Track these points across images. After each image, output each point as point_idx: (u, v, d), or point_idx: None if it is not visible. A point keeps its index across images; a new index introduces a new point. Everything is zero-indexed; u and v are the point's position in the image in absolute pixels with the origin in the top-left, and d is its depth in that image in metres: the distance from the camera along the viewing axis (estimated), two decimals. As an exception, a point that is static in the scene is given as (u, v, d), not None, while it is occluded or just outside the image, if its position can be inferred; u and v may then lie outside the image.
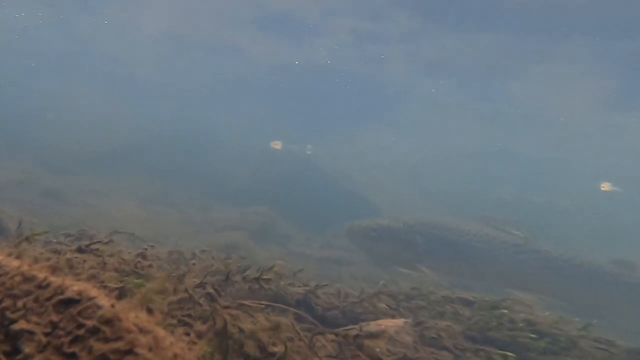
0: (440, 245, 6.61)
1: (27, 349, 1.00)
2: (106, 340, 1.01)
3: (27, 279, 1.14)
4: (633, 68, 13.71)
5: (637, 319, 5.94)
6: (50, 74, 28.70)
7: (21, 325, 1.04)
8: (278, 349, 1.56)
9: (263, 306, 1.99)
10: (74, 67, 27.67)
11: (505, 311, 2.91)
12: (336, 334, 1.96)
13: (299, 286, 2.77)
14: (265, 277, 2.33)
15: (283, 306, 2.11)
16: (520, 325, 2.78)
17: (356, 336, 2.00)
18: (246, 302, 1.87)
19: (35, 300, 1.09)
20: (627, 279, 6.35)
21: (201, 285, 2.10)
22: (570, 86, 16.25)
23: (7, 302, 1.08)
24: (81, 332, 1.03)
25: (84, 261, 2.15)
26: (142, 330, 1.06)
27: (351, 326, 2.05)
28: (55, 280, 1.15)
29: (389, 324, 2.23)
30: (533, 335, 2.67)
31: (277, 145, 18.50)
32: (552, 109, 19.47)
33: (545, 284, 6.35)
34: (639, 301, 6.24)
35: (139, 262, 2.32)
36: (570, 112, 18.99)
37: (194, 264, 2.79)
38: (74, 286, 1.13)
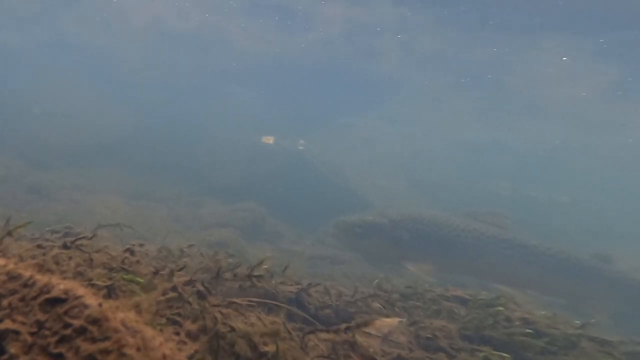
0: (427, 241, 6.64)
1: (13, 349, 0.98)
2: (93, 340, 1.00)
3: (13, 277, 1.11)
4: (633, 58, 13.81)
5: (617, 313, 6.09)
6: (34, 67, 28.06)
7: (6, 324, 1.01)
8: (269, 348, 1.56)
9: (254, 304, 1.98)
10: (58, 60, 27.10)
11: (501, 308, 2.90)
12: (327, 331, 1.97)
13: (291, 285, 2.76)
14: (256, 273, 2.32)
15: (275, 303, 2.10)
16: (517, 323, 2.79)
17: (347, 328, 2.01)
18: (237, 300, 1.86)
19: (21, 299, 1.07)
20: (606, 273, 6.52)
21: (190, 282, 2.09)
22: (570, 77, 16.39)
23: (-8, 302, 1.06)
24: (68, 332, 1.01)
25: (70, 258, 2.11)
26: (130, 330, 1.04)
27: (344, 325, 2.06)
28: (41, 278, 1.13)
29: (383, 323, 2.24)
30: (529, 331, 2.67)
31: (268, 140, 18.42)
32: (551, 101, 19.66)
33: (531, 279, 6.46)
34: (617, 295, 6.41)
35: (126, 257, 2.29)
36: (570, 104, 19.15)
37: (184, 262, 2.77)
38: (60, 285, 1.11)
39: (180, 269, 2.22)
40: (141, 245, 2.67)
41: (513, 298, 3.27)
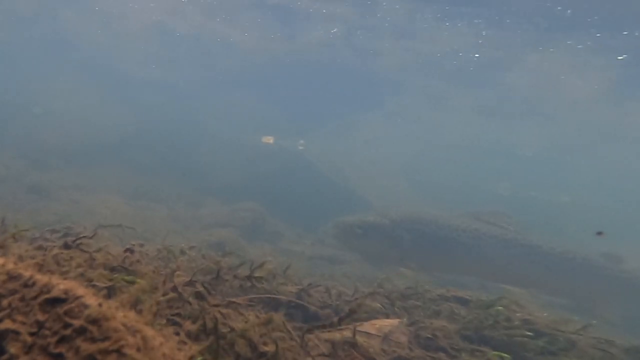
0: (428, 242, 6.61)
1: (13, 349, 0.98)
2: (93, 340, 1.00)
3: (13, 277, 1.11)
4: (633, 60, 13.84)
5: (624, 312, 6.07)
6: (35, 66, 28.05)
7: (6, 324, 1.01)
8: (269, 348, 1.55)
9: (254, 304, 1.98)
10: (59, 59, 27.08)
11: (501, 308, 2.89)
12: (323, 325, 1.96)
13: (292, 285, 2.76)
14: (257, 274, 2.32)
15: (275, 297, 2.10)
16: (517, 324, 2.78)
17: (340, 319, 2.00)
18: (236, 300, 1.86)
19: (21, 299, 1.07)
20: (615, 273, 6.49)
21: (190, 283, 2.09)
22: (570, 78, 16.36)
23: (-8, 302, 1.06)
24: (68, 332, 1.01)
25: (71, 258, 2.11)
26: (130, 330, 1.04)
27: (345, 326, 2.05)
28: (42, 278, 1.13)
29: (384, 323, 2.24)
30: (529, 333, 2.66)
31: (268, 140, 18.40)
32: (551, 102, 19.63)
33: (535, 278, 6.44)
34: (626, 294, 6.39)
35: (126, 257, 2.29)
36: (571, 105, 19.11)
37: (182, 263, 2.76)
38: (60, 285, 1.11)
39: (177, 270, 2.22)
40: (141, 245, 2.67)
41: (515, 299, 3.25)
